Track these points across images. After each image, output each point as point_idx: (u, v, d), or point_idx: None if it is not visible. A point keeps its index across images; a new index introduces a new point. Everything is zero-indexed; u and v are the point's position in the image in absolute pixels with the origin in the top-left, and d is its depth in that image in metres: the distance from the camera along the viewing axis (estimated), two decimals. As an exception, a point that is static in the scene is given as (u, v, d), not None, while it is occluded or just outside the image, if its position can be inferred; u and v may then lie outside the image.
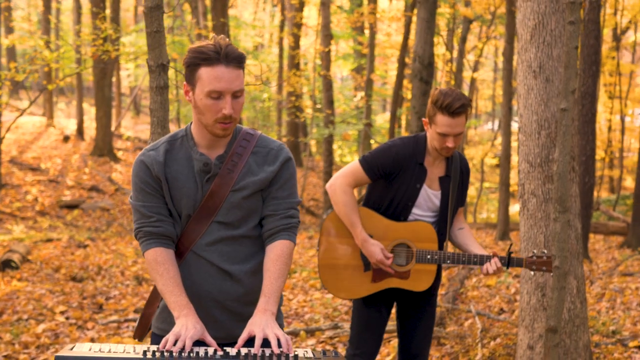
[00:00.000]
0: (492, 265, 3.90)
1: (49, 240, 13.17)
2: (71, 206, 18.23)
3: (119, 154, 25.44)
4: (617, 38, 23.10)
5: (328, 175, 17.78)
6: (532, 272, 4.09)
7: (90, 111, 32.98)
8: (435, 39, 20.58)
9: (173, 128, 8.66)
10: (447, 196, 4.09)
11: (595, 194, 24.18)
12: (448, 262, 3.99)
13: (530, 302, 5.19)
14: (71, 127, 29.15)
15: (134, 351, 2.56)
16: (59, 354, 2.48)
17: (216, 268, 2.83)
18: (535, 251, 3.94)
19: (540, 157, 5.03)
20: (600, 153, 26.68)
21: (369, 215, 4.11)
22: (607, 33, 26.03)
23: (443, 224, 4.12)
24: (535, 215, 5.10)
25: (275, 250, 2.83)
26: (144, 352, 2.54)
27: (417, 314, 4.24)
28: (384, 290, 4.14)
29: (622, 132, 25.46)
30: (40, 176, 20.34)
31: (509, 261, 3.95)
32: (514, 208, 22.56)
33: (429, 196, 4.08)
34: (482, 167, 28.91)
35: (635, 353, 6.76)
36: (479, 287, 10.03)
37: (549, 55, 4.96)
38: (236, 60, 2.70)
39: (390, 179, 4.06)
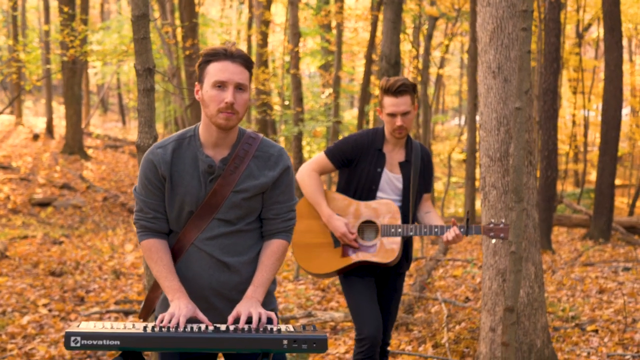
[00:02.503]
0: (451, 232, 4.22)
1: (24, 237, 13.35)
2: (43, 204, 18.34)
3: (90, 151, 25.54)
4: (579, 35, 23.59)
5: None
6: (492, 240, 4.37)
7: (58, 109, 32.99)
8: (402, 36, 20.96)
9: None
10: (409, 179, 4.42)
11: (559, 187, 24.74)
12: (411, 233, 4.30)
13: (492, 287, 5.55)
14: (40, 125, 29.16)
15: (134, 327, 2.88)
16: (69, 330, 2.78)
17: (215, 260, 3.10)
18: (493, 220, 4.30)
19: (500, 151, 5.38)
20: (565, 147, 27.25)
21: (338, 198, 4.45)
22: (570, 29, 26.58)
23: (407, 205, 4.43)
24: (495, 206, 5.45)
25: (271, 247, 3.15)
26: (144, 328, 2.85)
27: (387, 294, 4.56)
28: (363, 271, 4.43)
29: (586, 126, 25.96)
30: (11, 174, 20.40)
31: (467, 228, 4.26)
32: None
33: (391, 179, 4.42)
34: (449, 162, 29.34)
35: (592, 336, 7.17)
36: (445, 278, 10.42)
37: (506, 57, 5.31)
38: (241, 58, 3.02)
39: (353, 165, 4.42)
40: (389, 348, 4.70)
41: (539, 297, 5.54)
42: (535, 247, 5.52)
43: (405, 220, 4.42)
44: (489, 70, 5.39)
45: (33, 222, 16.40)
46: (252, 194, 3.10)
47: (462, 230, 4.25)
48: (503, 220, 4.36)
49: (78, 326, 2.85)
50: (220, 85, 2.99)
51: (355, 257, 4.38)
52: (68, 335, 2.76)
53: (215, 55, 3.01)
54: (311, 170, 4.48)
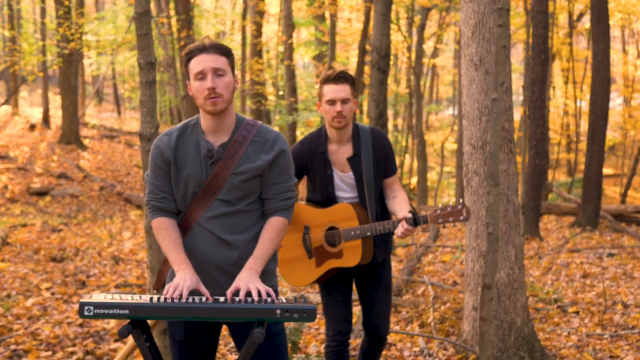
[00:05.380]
0: (400, 228, 4.24)
1: (24, 225, 13.64)
2: (41, 193, 18.58)
3: (86, 141, 25.79)
4: (571, 25, 23.81)
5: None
6: (443, 225, 4.38)
7: (54, 100, 33.19)
8: (394, 28, 21.22)
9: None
10: (360, 173, 4.43)
11: (551, 176, 25.02)
12: (368, 234, 4.33)
13: (474, 268, 5.86)
14: (36, 115, 29.39)
15: (141, 298, 3.17)
16: (82, 300, 3.08)
17: (217, 238, 3.40)
18: (440, 205, 4.35)
19: (482, 140, 5.66)
20: (557, 137, 27.49)
21: (303, 209, 4.54)
22: (563, 19, 26.79)
23: (363, 199, 4.45)
24: (477, 192, 5.74)
25: (271, 223, 3.44)
26: (150, 299, 3.15)
27: (372, 284, 4.60)
28: (341, 271, 4.56)
29: (578, 116, 26.17)
30: (8, 164, 20.64)
31: (415, 221, 4.25)
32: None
33: (343, 178, 4.47)
34: (442, 151, 29.60)
35: (574, 317, 7.49)
36: (434, 263, 10.74)
37: (488, 51, 5.60)
38: (215, 47, 3.34)
39: (307, 172, 4.53)
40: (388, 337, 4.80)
41: (518, 278, 5.83)
42: (516, 230, 5.81)
43: (369, 213, 4.45)
44: (471, 63, 5.68)
45: (31, 210, 16.66)
46: (250, 176, 3.39)
47: (410, 222, 4.25)
48: (461, 200, 4.41)
49: (90, 297, 3.14)
50: (201, 76, 3.32)
51: (328, 265, 4.48)
52: (82, 305, 3.05)
53: (192, 52, 3.35)
54: None
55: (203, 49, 3.33)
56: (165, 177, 3.42)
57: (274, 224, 3.44)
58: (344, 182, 4.47)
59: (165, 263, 3.64)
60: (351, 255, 4.42)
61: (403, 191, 4.56)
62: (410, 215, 4.27)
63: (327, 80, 4.36)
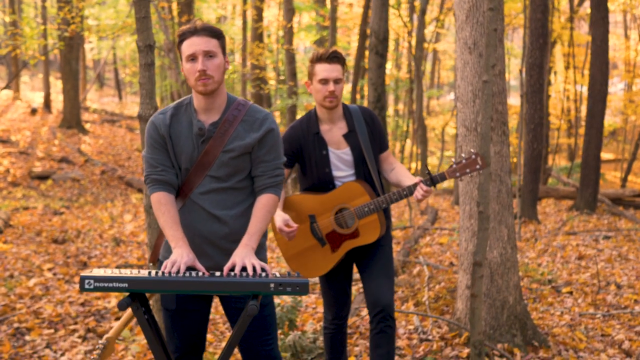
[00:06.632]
0: (419, 190, 4.21)
1: (26, 208, 13.77)
2: (42, 177, 18.72)
3: (87, 126, 25.90)
4: (572, 10, 23.81)
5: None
6: (460, 179, 4.39)
7: (55, 84, 33.25)
8: (395, 12, 21.24)
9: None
10: (360, 149, 4.41)
11: (551, 161, 25.11)
12: (384, 205, 4.29)
13: (468, 248, 5.96)
14: (37, 100, 29.48)
15: (140, 273, 3.29)
16: (83, 274, 3.19)
17: (207, 212, 3.53)
18: (454, 159, 4.34)
19: (475, 122, 5.75)
20: (557, 122, 27.55)
21: (303, 199, 4.50)
22: (565, 3, 26.77)
23: (367, 174, 4.44)
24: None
25: (262, 200, 3.55)
26: (149, 273, 3.26)
27: (375, 261, 4.47)
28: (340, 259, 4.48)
29: (579, 101, 26.19)
30: (10, 148, 20.76)
31: (432, 180, 4.26)
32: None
33: (340, 156, 4.43)
34: (443, 136, 29.68)
35: (567, 297, 7.61)
36: (432, 245, 10.85)
37: (481, 34, 5.68)
38: (205, 30, 3.46)
39: (301, 158, 4.47)
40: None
41: (511, 258, 5.94)
42: (508, 210, 5.92)
43: (373, 187, 4.46)
44: (465, 46, 5.77)
45: (33, 194, 16.79)
46: (239, 153, 3.52)
47: (427, 183, 4.25)
48: (472, 150, 4.38)
49: (91, 272, 3.25)
50: (192, 58, 3.44)
51: (345, 247, 4.42)
52: (83, 279, 3.15)
53: (184, 34, 3.47)
54: None
55: (194, 32, 3.44)
56: (163, 150, 3.54)
57: (265, 200, 3.56)
58: (340, 160, 4.43)
59: (160, 237, 3.76)
60: (370, 231, 4.38)
61: (399, 162, 4.54)
62: (427, 176, 4.27)
63: (319, 59, 4.31)
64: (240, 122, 3.54)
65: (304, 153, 4.45)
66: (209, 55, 3.44)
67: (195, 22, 3.47)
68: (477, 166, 4.28)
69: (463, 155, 4.35)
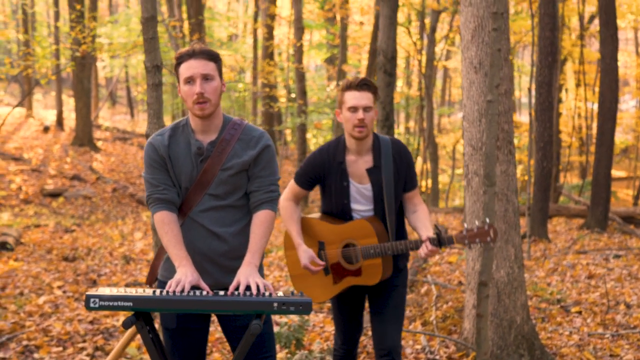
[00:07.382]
0: (424, 248, 4.10)
1: (37, 226, 13.85)
2: (54, 194, 18.83)
3: (99, 143, 26.03)
4: (582, 27, 23.83)
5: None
6: (469, 246, 4.23)
7: (68, 102, 33.47)
8: (404, 31, 21.31)
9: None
10: (380, 186, 4.27)
11: (562, 179, 25.05)
12: (388, 252, 4.19)
13: (475, 267, 5.97)
14: (50, 117, 29.66)
15: (145, 292, 3.32)
16: (88, 292, 3.23)
17: (207, 230, 3.58)
18: (466, 225, 4.26)
19: (481, 141, 5.77)
20: (569, 140, 27.51)
21: (318, 224, 4.41)
22: (576, 21, 26.78)
23: (382, 213, 4.31)
24: (477, 192, 5.85)
25: (260, 217, 3.60)
26: (153, 292, 3.29)
27: (384, 304, 4.38)
28: (354, 287, 4.40)
29: (590, 118, 26.12)
30: (23, 166, 20.89)
31: (439, 241, 4.11)
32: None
33: (360, 191, 4.31)
34: (454, 154, 29.67)
35: (576, 317, 7.58)
36: (441, 264, 10.83)
37: (487, 54, 5.70)
38: (203, 53, 3.52)
39: (323, 183, 4.38)
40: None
41: (518, 277, 5.94)
42: (515, 230, 5.92)
43: (389, 229, 4.31)
44: (471, 65, 5.80)
45: (45, 211, 16.88)
46: (237, 171, 3.58)
47: (434, 243, 4.12)
48: (487, 220, 4.26)
49: (96, 290, 3.29)
50: (190, 81, 3.50)
51: (346, 283, 4.36)
52: (88, 298, 3.19)
53: (182, 57, 3.53)
54: (285, 200, 4.47)
55: (192, 55, 3.50)
56: (163, 170, 3.59)
57: (263, 217, 3.60)
58: (360, 194, 4.31)
59: (157, 258, 3.80)
60: (371, 274, 4.28)
61: (424, 205, 4.42)
62: (434, 235, 4.13)
63: (349, 87, 4.20)
64: (237, 141, 3.60)
65: (326, 180, 4.37)
66: (206, 78, 3.50)
67: (193, 46, 3.53)
68: (489, 238, 4.17)
69: (477, 223, 4.23)
